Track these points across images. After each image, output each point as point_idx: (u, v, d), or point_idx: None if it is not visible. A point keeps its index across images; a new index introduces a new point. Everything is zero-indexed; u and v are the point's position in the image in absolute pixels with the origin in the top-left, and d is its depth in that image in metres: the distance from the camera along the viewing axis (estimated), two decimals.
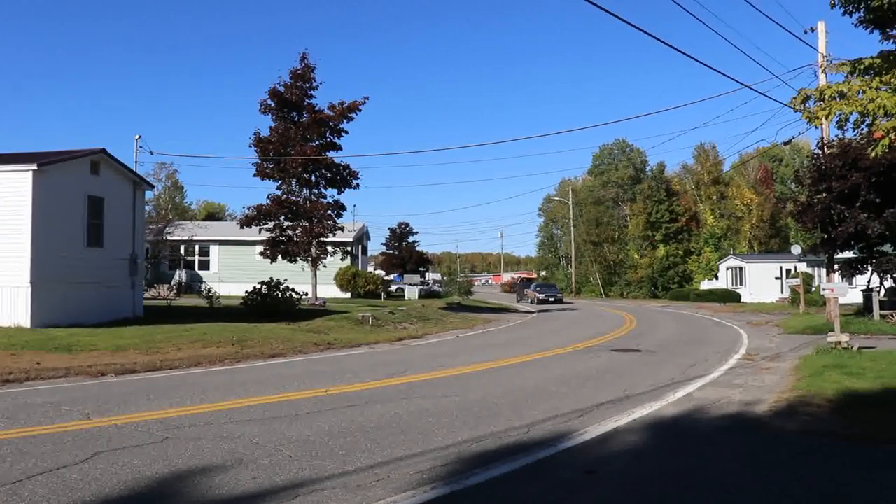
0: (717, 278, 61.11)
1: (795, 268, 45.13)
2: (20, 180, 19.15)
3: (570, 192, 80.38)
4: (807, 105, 10.63)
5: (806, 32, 23.03)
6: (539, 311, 43.16)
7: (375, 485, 5.97)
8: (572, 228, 77.55)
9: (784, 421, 8.78)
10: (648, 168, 78.76)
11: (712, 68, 32.53)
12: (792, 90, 30.95)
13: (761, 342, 20.70)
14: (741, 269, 55.69)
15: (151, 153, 39.98)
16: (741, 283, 54.90)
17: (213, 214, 72.92)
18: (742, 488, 6.00)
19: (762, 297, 50.57)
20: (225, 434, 7.85)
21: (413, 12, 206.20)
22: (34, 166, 19.12)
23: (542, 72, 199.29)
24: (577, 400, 10.28)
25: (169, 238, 42.71)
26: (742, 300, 51.69)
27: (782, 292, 49.14)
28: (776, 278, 49.99)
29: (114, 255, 22.74)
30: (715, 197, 72.59)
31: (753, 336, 22.93)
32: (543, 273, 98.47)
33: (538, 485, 6.07)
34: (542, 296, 54.95)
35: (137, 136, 37.12)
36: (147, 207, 36.26)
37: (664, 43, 14.57)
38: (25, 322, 18.96)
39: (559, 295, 57.31)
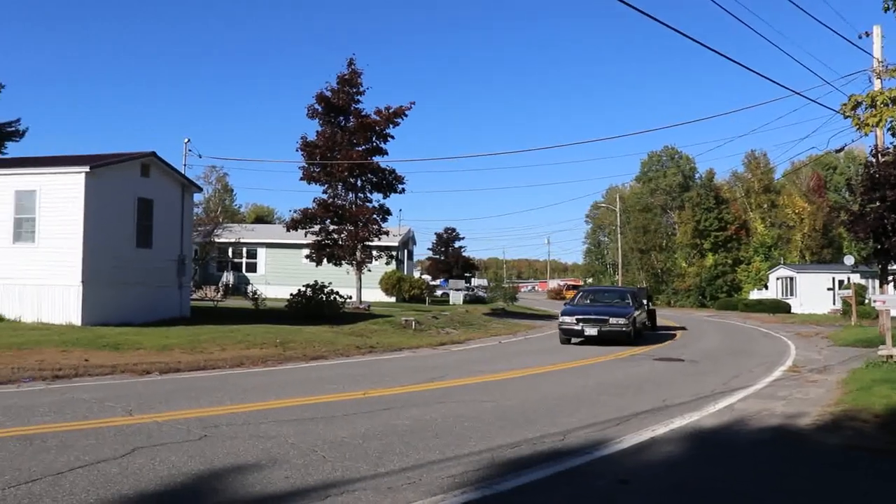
0: (766, 288, 59.95)
1: (848, 279, 44.04)
2: (73, 182, 19.74)
3: (618, 199, 79.64)
4: (857, 112, 10.36)
5: (860, 37, 22.34)
6: None
7: (406, 487, 5.98)
8: (619, 236, 76.75)
9: (827, 435, 8.57)
10: (697, 175, 77.91)
11: (763, 75, 31.98)
12: (845, 96, 30.20)
13: (809, 354, 20.24)
14: (791, 279, 54.53)
15: (200, 156, 40.95)
16: (791, 294, 53.74)
17: (262, 217, 73.98)
18: (779, 503, 5.87)
19: (813, 308, 49.43)
20: (261, 434, 7.95)
21: (468, 15, 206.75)
22: (86, 169, 19.69)
23: (589, 78, 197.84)
24: (614, 408, 10.17)
25: (217, 240, 43.41)
26: (792, 311, 50.57)
27: (834, 304, 48.03)
28: (828, 289, 48.88)
29: (162, 255, 23.22)
30: (765, 205, 71.28)
31: (801, 347, 22.42)
32: (591, 280, 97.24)
33: (571, 492, 6.02)
34: (572, 320, 22.29)
35: (186, 140, 37.75)
36: (197, 210, 36.94)
37: (715, 51, 14.38)
38: (76, 320, 19.48)
39: (622, 321, 21.93)
